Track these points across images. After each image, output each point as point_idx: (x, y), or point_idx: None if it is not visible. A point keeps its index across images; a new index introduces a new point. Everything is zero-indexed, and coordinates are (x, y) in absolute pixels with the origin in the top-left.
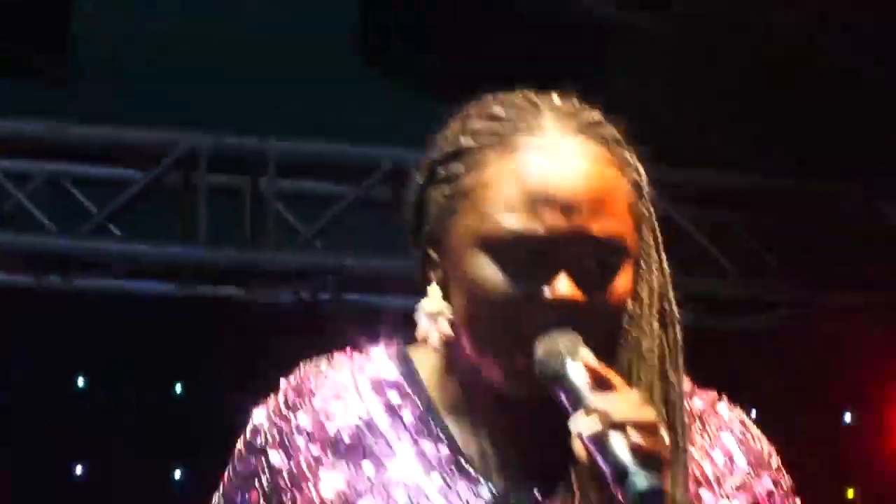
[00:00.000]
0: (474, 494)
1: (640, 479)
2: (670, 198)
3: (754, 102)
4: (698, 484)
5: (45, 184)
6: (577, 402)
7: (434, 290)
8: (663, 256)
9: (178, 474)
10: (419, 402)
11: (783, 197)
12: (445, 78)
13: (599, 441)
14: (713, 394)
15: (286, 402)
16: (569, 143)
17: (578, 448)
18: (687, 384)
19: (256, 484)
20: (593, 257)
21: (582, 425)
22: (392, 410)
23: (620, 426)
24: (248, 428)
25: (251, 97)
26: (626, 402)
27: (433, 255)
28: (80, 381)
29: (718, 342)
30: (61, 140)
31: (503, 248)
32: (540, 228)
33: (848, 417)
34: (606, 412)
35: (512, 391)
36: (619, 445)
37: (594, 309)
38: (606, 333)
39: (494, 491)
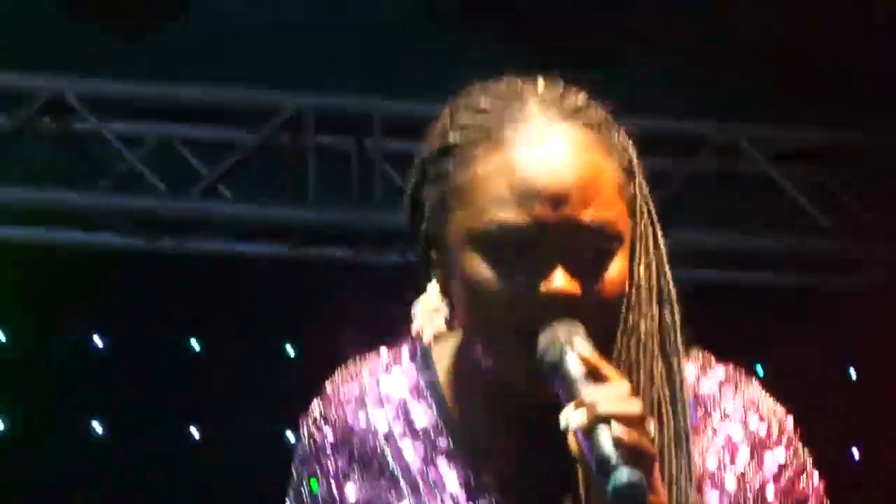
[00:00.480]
0: None
1: (620, 473)
2: (766, 155)
3: (850, 61)
4: (700, 478)
5: (157, 146)
6: (570, 394)
7: (434, 287)
8: (659, 235)
9: (290, 435)
10: (434, 407)
11: (877, 153)
12: (545, 37)
13: (587, 434)
14: (722, 371)
15: (320, 414)
16: (553, 133)
17: (572, 442)
18: (698, 362)
19: (302, 493)
20: (586, 247)
21: (570, 418)
22: (408, 420)
23: (606, 419)
24: (298, 440)
25: (357, 60)
26: (614, 394)
27: (433, 255)
28: (193, 342)
29: (817, 300)
30: (172, 102)
31: (494, 243)
32: (528, 220)
33: None
34: (593, 404)
35: (518, 387)
36: (605, 438)
37: (591, 300)
38: (606, 322)
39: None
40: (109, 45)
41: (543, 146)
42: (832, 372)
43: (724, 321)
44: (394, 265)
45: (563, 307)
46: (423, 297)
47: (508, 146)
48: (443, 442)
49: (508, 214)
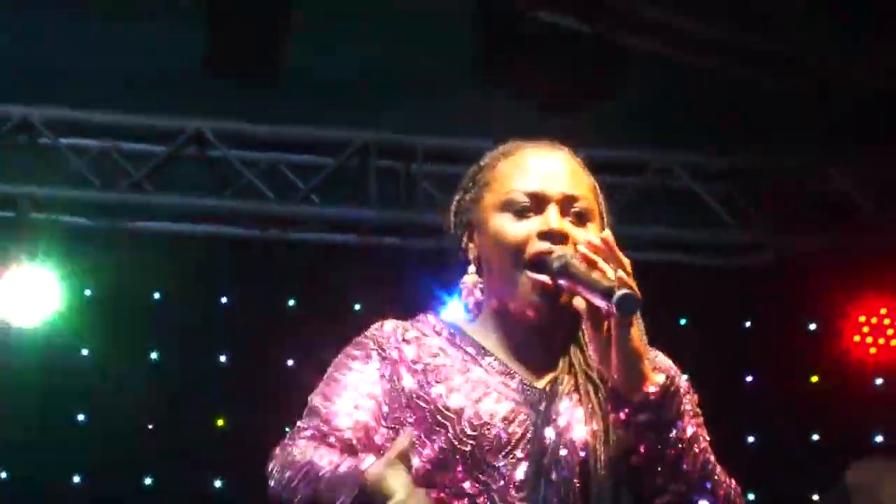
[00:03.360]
0: (508, 385)
1: (623, 290)
2: (690, 174)
3: (752, 105)
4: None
5: (267, 167)
6: (580, 276)
7: (472, 268)
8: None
9: None
10: (471, 342)
11: (767, 171)
12: (540, 92)
13: (597, 282)
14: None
15: (404, 328)
16: (549, 149)
17: (579, 303)
18: None
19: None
20: (571, 209)
21: (594, 276)
22: (457, 346)
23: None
24: (380, 326)
25: (406, 107)
26: (618, 259)
27: (469, 240)
28: (291, 302)
29: (722, 276)
30: (277, 136)
31: (514, 204)
32: (536, 188)
33: (813, 326)
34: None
35: (533, 304)
36: (605, 279)
37: (574, 239)
38: (584, 258)
39: (523, 380)
40: (235, 96)
41: (545, 152)
42: (733, 320)
43: (660, 289)
44: (432, 250)
45: (557, 238)
46: (466, 276)
47: (520, 155)
48: (481, 354)
49: (524, 186)
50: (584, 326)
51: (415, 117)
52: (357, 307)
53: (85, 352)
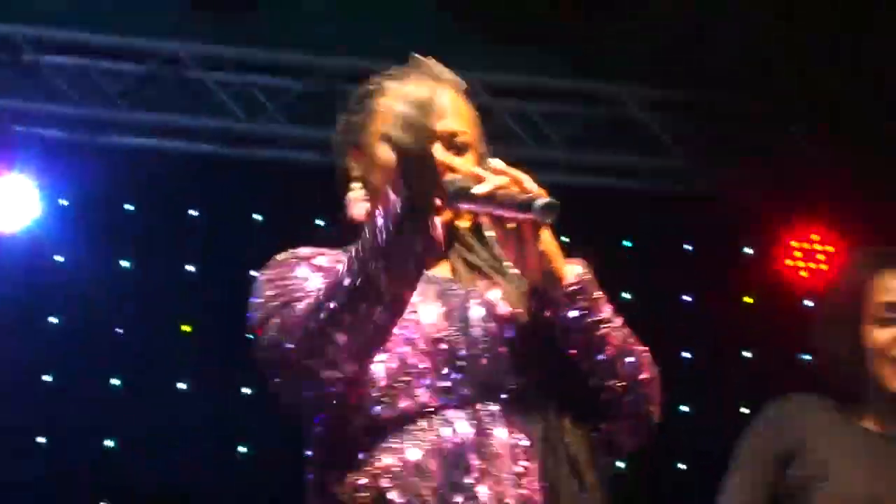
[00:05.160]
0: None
1: (544, 199)
2: (638, 105)
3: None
4: None
5: (241, 89)
6: (484, 196)
7: (357, 184)
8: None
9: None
10: None
11: (711, 105)
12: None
13: (510, 199)
14: None
15: (313, 248)
16: (437, 81)
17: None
18: None
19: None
20: (451, 139)
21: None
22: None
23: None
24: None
25: (371, 35)
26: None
27: (354, 160)
28: (258, 216)
29: (664, 203)
30: (250, 59)
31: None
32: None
33: (748, 250)
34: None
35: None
36: (519, 194)
37: (456, 169)
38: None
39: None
40: (211, 21)
41: (430, 88)
42: (673, 244)
43: (605, 213)
44: None
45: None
46: (351, 192)
47: (407, 83)
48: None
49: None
50: (491, 239)
51: (380, 45)
52: (319, 221)
53: (60, 258)
